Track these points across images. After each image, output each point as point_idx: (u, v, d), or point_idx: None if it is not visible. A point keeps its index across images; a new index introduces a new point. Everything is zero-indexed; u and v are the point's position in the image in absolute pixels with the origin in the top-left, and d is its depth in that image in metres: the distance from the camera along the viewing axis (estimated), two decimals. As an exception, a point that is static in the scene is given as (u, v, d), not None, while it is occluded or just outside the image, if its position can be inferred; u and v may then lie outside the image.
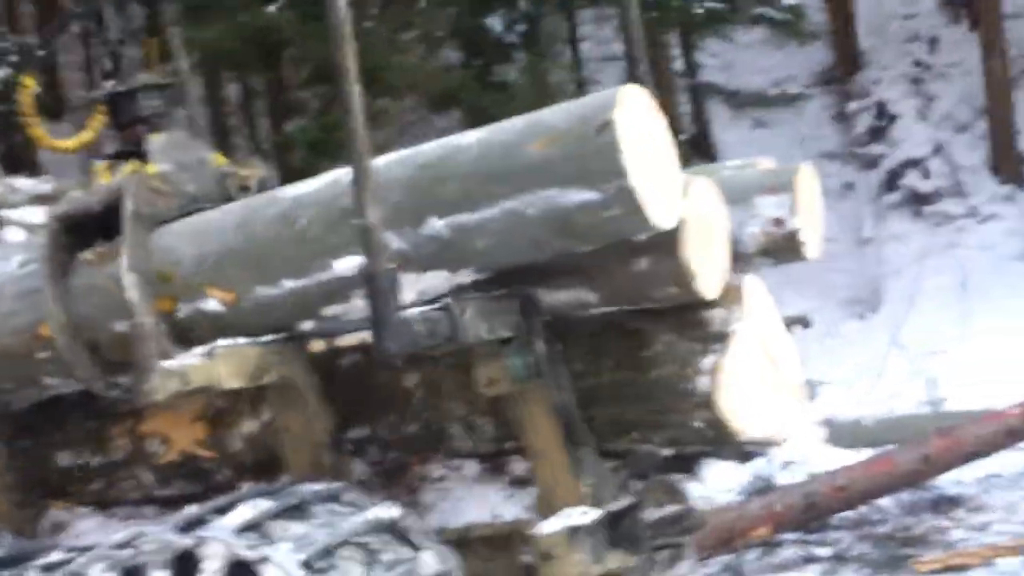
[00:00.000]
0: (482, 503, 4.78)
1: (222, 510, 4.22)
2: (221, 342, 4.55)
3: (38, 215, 11.10)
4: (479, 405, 4.84)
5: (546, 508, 4.61)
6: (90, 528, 5.34)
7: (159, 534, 4.07)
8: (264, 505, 4.16)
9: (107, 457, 5.42)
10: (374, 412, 5.01)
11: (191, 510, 4.30)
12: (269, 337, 4.74)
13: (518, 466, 4.81)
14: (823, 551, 8.21)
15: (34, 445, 5.53)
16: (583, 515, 4.51)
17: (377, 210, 4.08)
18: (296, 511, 4.20)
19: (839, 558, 7.98)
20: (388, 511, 4.32)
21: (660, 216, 4.14)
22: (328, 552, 4.02)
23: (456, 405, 4.89)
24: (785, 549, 8.33)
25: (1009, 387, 10.92)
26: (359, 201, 4.08)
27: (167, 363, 4.28)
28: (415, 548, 4.26)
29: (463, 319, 4.19)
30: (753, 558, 8.15)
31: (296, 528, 4.10)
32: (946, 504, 8.85)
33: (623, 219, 4.11)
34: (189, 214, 5.02)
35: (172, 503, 5.35)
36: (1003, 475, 9.11)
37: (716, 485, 5.38)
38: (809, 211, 5.00)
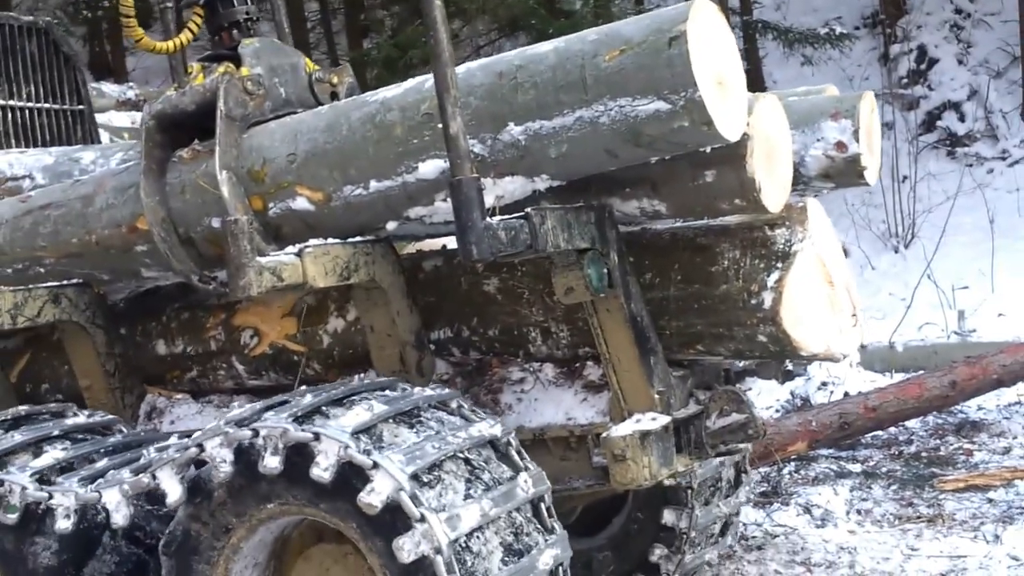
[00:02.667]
0: (557, 406, 4.61)
1: (337, 403, 4.04)
2: (312, 241, 4.37)
3: (123, 119, 10.97)
4: (556, 312, 4.66)
5: (618, 412, 4.44)
6: (187, 414, 5.21)
7: (276, 421, 3.90)
8: (379, 408, 3.98)
9: (201, 347, 5.26)
10: (455, 314, 4.84)
11: (307, 399, 4.09)
12: (357, 238, 4.56)
13: (592, 372, 4.61)
14: (854, 467, 8.07)
15: (131, 334, 5.38)
16: (653, 420, 4.34)
17: (461, 118, 3.86)
18: (407, 417, 4.02)
19: (869, 474, 7.85)
20: (492, 428, 4.13)
21: (728, 128, 3.94)
22: (435, 465, 3.83)
23: (534, 311, 4.71)
24: (819, 464, 8.19)
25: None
26: (443, 109, 3.87)
27: (261, 260, 4.10)
28: (514, 468, 4.07)
29: (543, 229, 3.99)
30: (789, 471, 8.00)
31: (407, 436, 3.91)
32: (970, 428, 8.73)
33: (692, 130, 3.91)
34: (280, 116, 4.83)
35: (263, 392, 5.21)
36: (1024, 403, 8.99)
37: (757, 402, 5.21)
38: (869, 138, 4.75)
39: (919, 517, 6.77)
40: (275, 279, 4.13)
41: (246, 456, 3.89)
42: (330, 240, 4.43)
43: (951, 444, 8.40)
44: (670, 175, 4.32)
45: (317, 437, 3.80)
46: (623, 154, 4.10)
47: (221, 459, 3.90)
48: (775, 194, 4.32)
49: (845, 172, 4.72)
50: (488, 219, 3.83)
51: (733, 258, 4.43)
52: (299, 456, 3.82)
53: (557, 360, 4.74)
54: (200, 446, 3.96)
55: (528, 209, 4.00)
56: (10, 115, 7.46)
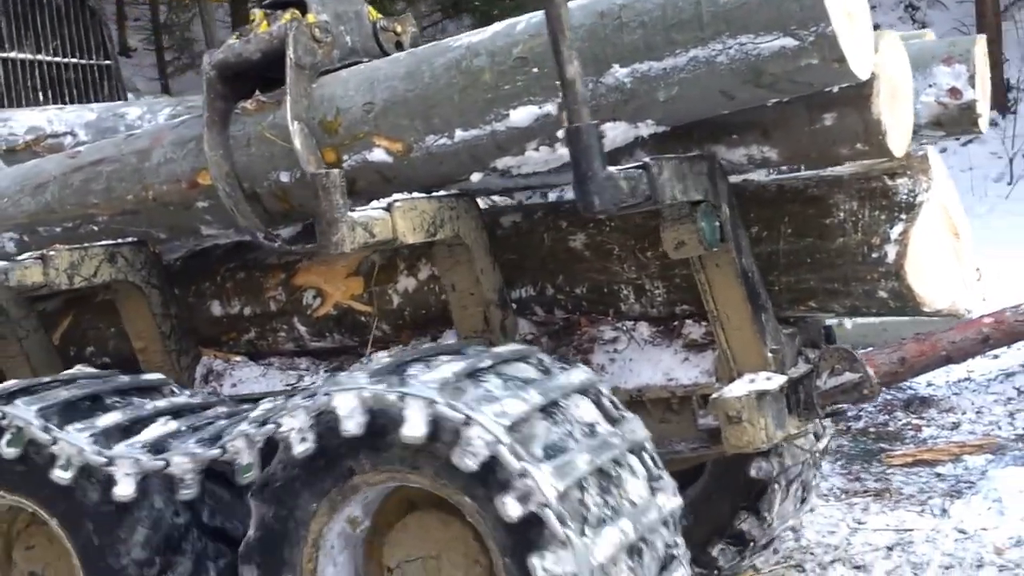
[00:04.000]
0: (656, 366, 4.15)
1: (416, 362, 3.62)
2: (398, 196, 3.90)
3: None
4: (651, 269, 4.21)
5: (727, 372, 4.00)
6: (249, 377, 4.74)
7: (355, 382, 3.46)
8: (460, 364, 3.55)
9: (260, 308, 4.79)
10: (538, 272, 4.38)
11: (384, 359, 3.69)
12: (442, 192, 4.10)
13: (693, 330, 4.16)
14: (802, 443, 7.73)
15: (183, 295, 4.90)
16: (768, 380, 3.90)
17: (578, 61, 3.39)
18: (490, 372, 3.59)
19: (817, 449, 7.51)
20: (580, 375, 3.70)
21: (858, 65, 3.51)
22: (530, 417, 3.40)
23: (626, 268, 4.25)
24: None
25: (988, 297, 10.28)
26: (558, 52, 3.40)
27: (353, 215, 3.63)
28: (609, 417, 3.63)
29: (660, 179, 3.54)
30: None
31: (493, 389, 3.47)
32: (919, 404, 8.39)
33: (821, 68, 3.47)
34: (347, 66, 4.35)
35: (326, 355, 4.76)
36: (974, 380, 8.64)
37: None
38: (983, 84, 4.29)
39: (866, 491, 6.49)
40: (367, 235, 3.68)
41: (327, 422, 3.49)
42: (415, 194, 3.96)
43: (900, 420, 8.09)
44: (784, 119, 3.87)
45: (402, 397, 3.38)
46: (740, 96, 3.65)
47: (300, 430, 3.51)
48: (899, 138, 3.86)
49: (958, 120, 4.26)
50: (609, 168, 3.37)
51: (850, 210, 3.98)
52: (384, 419, 3.41)
53: (651, 318, 4.28)
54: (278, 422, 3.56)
55: (646, 158, 3.55)
56: (37, 70, 6.93)
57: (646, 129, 3.80)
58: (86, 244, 4.49)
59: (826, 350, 4.14)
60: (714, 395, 3.90)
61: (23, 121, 5.36)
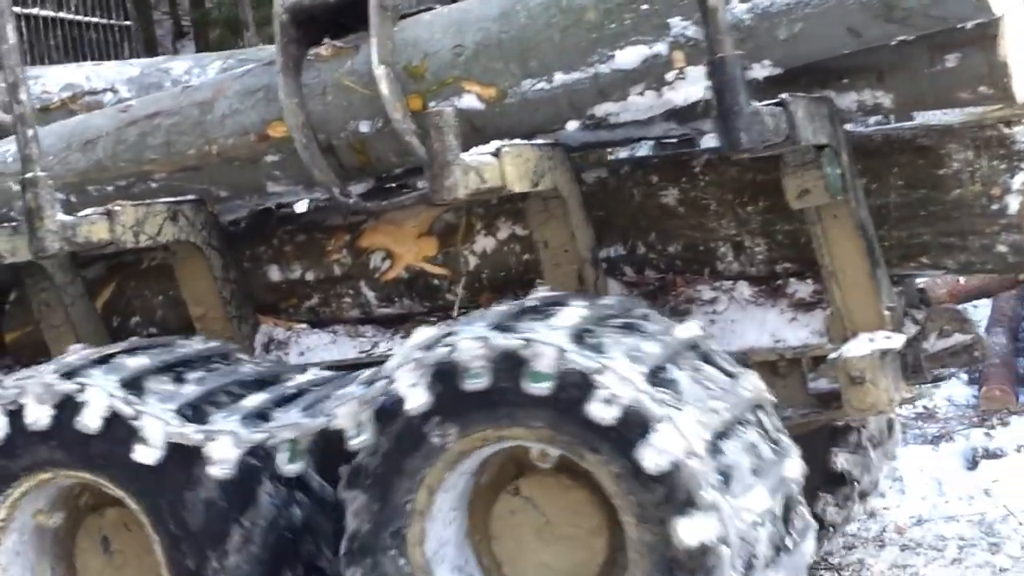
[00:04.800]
0: (760, 327, 3.91)
1: (533, 312, 3.39)
2: (504, 142, 3.63)
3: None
4: (751, 224, 3.97)
5: (840, 332, 3.76)
6: (319, 344, 4.43)
7: (474, 334, 3.21)
8: (584, 311, 3.34)
9: (323, 272, 4.50)
10: (628, 230, 4.12)
11: (499, 310, 3.46)
12: (541, 140, 3.85)
13: (800, 288, 3.92)
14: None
15: (240, 259, 4.60)
16: (888, 339, 3.67)
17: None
18: (615, 321, 3.35)
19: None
20: (690, 330, 3.47)
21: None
22: (663, 367, 3.15)
23: (724, 224, 4.00)
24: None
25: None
26: None
27: (465, 158, 3.36)
28: (726, 372, 3.40)
29: (797, 117, 3.29)
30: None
31: (620, 339, 3.24)
32: None
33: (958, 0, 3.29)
34: (425, 9, 4.08)
35: (391, 323, 4.48)
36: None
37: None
38: None
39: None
40: (479, 180, 3.41)
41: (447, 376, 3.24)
42: (517, 140, 3.70)
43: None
44: (903, 61, 3.64)
45: (527, 343, 3.12)
46: (868, 33, 3.43)
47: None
48: (1022, 84, 3.64)
49: None
50: (753, 104, 3.13)
51: (965, 160, 3.76)
52: (511, 368, 3.16)
53: (751, 277, 4.04)
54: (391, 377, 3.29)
55: (783, 95, 3.30)
56: (59, 28, 6.59)
57: (761, 71, 3.55)
58: (148, 201, 4.19)
59: (934, 310, 3.95)
60: (833, 355, 3.66)
61: (57, 78, 5.04)
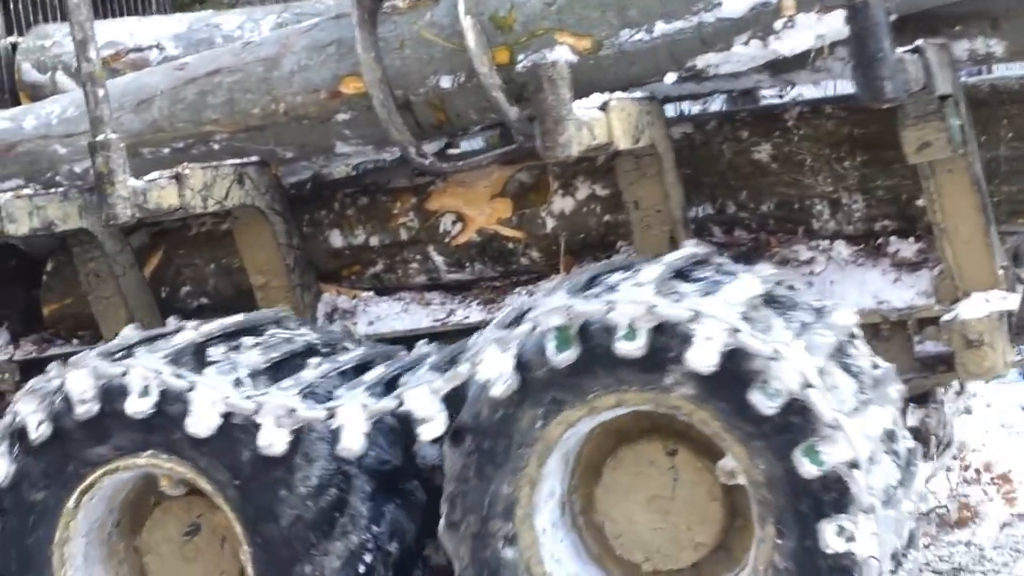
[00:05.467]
0: (861, 287, 3.74)
1: (680, 276, 3.25)
2: (609, 95, 3.43)
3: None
4: (849, 180, 3.80)
5: (950, 292, 3.59)
6: (388, 314, 4.21)
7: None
8: (757, 287, 3.21)
9: (388, 237, 4.28)
10: (717, 188, 3.95)
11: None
12: (639, 93, 3.65)
13: (903, 247, 3.76)
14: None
15: (299, 224, 4.36)
16: (1004, 299, 3.51)
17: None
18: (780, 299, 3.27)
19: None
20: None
21: None
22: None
23: (820, 180, 3.83)
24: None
25: None
26: None
27: (577, 113, 3.16)
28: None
29: (933, 65, 3.12)
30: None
31: (773, 319, 3.12)
32: None
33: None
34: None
35: (460, 288, 4.28)
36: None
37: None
38: None
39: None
40: (590, 136, 3.21)
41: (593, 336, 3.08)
42: (619, 94, 3.50)
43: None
44: (1019, 7, 3.47)
45: (696, 317, 2.96)
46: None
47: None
48: None
49: None
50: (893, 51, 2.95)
51: (1079, 110, 3.61)
52: (666, 339, 3.00)
53: (848, 236, 3.87)
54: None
55: (919, 41, 3.12)
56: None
57: (871, 20, 3.38)
58: (214, 163, 3.96)
59: (1039, 269, 3.78)
60: (947, 317, 3.50)
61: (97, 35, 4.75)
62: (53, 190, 4.08)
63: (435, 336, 4.01)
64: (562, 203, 4.09)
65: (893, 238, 3.80)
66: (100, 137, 3.57)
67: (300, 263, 4.24)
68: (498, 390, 3.16)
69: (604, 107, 3.33)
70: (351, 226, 4.34)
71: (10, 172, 4.36)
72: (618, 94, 3.48)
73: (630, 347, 3.01)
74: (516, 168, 4.14)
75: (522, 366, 3.15)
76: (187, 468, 3.45)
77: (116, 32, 4.75)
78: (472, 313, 4.07)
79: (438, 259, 4.25)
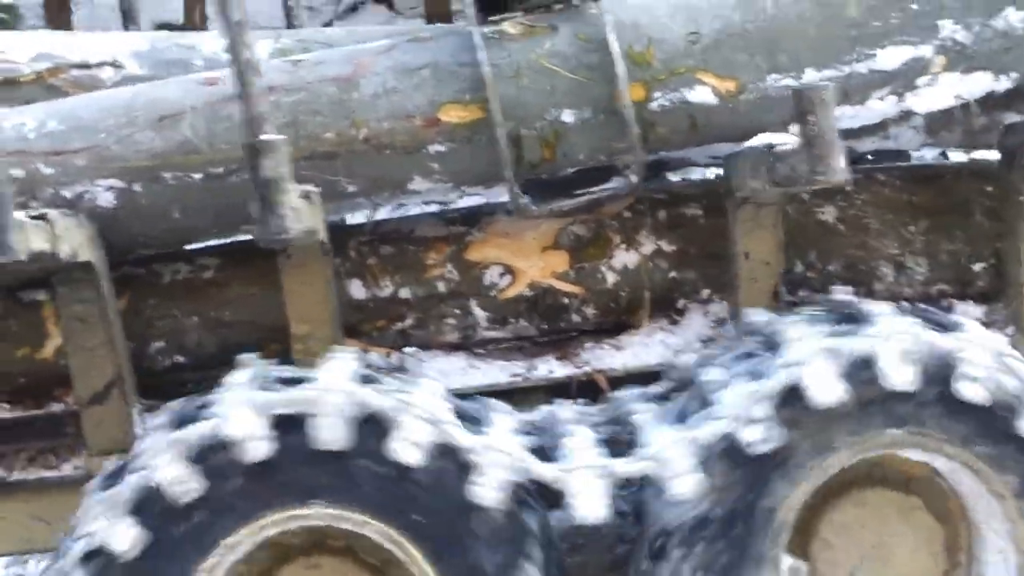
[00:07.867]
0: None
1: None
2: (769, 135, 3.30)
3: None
4: (914, 244, 3.87)
5: None
6: (450, 369, 3.72)
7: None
8: None
9: (422, 289, 3.81)
10: (787, 247, 3.86)
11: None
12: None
13: (969, 309, 3.85)
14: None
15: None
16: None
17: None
18: None
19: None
20: None
21: None
22: None
23: (886, 243, 3.87)
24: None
25: None
26: None
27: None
28: None
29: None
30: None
31: None
32: None
33: None
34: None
35: (499, 348, 3.88)
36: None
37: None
38: None
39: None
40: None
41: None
42: (747, 144, 3.39)
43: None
44: None
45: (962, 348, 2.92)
46: None
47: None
48: None
49: None
50: None
51: None
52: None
53: (904, 299, 3.92)
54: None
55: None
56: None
57: (1006, 83, 3.53)
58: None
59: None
60: None
61: (19, 46, 3.91)
62: (62, 210, 3.29)
63: (516, 392, 3.62)
64: (625, 257, 3.85)
65: (952, 300, 3.90)
66: (263, 138, 2.91)
67: (338, 312, 3.66)
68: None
69: None
70: (374, 276, 3.82)
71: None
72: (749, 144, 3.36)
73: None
74: (567, 220, 3.85)
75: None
76: None
77: (53, 44, 3.93)
78: (555, 368, 3.71)
79: (480, 314, 3.83)
